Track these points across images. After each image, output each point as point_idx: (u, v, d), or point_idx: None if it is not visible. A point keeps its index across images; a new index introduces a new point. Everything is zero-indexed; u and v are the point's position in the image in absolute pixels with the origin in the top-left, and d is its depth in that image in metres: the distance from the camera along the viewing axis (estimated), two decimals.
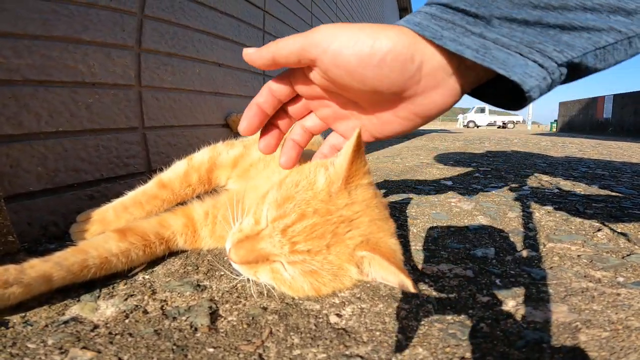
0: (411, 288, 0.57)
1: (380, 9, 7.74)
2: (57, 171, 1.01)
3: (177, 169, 0.99)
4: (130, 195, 0.96)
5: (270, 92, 0.63)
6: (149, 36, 1.30)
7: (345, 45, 0.51)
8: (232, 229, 0.73)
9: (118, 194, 1.10)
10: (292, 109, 0.67)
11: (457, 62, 0.51)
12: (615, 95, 12.13)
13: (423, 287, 0.77)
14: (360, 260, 0.66)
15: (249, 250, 0.65)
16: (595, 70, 0.49)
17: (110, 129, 1.17)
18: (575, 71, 0.49)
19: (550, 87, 0.48)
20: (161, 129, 1.37)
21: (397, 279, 0.60)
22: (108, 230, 0.84)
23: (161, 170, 1.01)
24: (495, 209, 1.42)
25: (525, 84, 0.46)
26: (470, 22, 0.49)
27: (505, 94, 0.56)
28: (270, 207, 0.67)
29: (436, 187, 1.87)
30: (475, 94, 0.59)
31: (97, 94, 1.11)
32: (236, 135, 1.46)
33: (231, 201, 0.79)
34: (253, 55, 0.58)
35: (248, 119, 0.64)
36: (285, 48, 0.55)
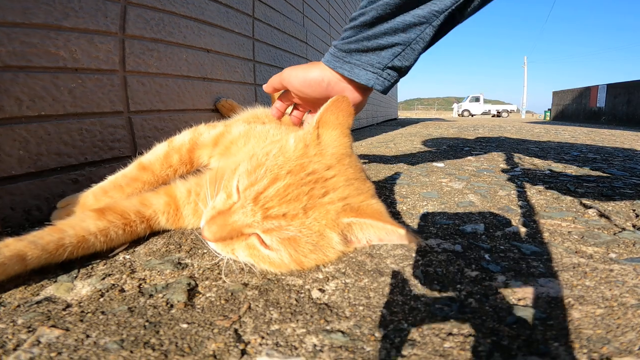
0: (406, 240, 0.61)
1: None
2: (40, 155, 1.00)
3: (158, 151, 0.97)
4: (110, 179, 0.94)
5: (277, 108, 1.15)
6: (133, 22, 1.29)
7: (295, 77, 1.00)
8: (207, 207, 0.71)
9: (103, 178, 1.08)
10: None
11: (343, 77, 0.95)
12: (608, 85, 12.18)
13: (410, 262, 0.75)
14: (347, 227, 0.66)
15: (221, 226, 0.63)
16: (407, 67, 0.92)
17: (94, 113, 1.15)
18: (396, 70, 0.92)
19: (385, 82, 0.93)
20: (147, 113, 1.36)
21: (394, 235, 0.62)
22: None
23: (142, 154, 1.00)
24: (486, 188, 1.41)
25: (369, 83, 0.92)
26: (344, 56, 0.93)
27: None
28: (241, 178, 0.66)
29: (428, 169, 1.86)
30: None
31: (80, 79, 1.10)
32: (226, 120, 1.45)
33: (211, 179, 0.77)
34: (266, 88, 1.10)
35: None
36: (274, 81, 1.07)
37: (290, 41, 2.71)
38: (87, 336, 0.51)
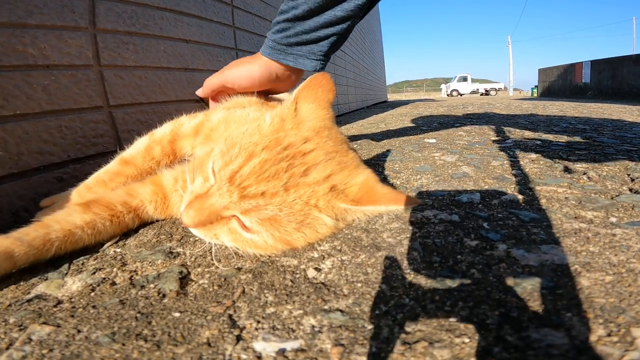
0: (407, 203, 0.58)
1: None
2: (21, 154, 0.97)
3: (139, 144, 0.97)
4: (93, 176, 0.93)
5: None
6: (103, 16, 1.26)
7: (240, 77, 1.10)
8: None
9: (88, 174, 1.07)
10: None
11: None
12: (592, 61, 12.29)
13: (407, 234, 0.73)
14: (342, 212, 0.63)
15: (199, 210, 0.61)
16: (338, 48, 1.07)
17: (72, 109, 1.13)
18: (332, 51, 1.06)
19: (324, 65, 1.05)
20: (129, 106, 1.33)
21: (393, 209, 0.59)
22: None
23: (123, 149, 1.00)
24: (479, 159, 1.40)
25: (316, 69, 1.03)
26: (285, 49, 1.03)
27: None
28: (215, 159, 0.63)
29: (420, 145, 1.85)
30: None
31: (53, 76, 1.08)
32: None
33: (192, 166, 0.75)
34: (203, 93, 1.22)
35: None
36: (214, 84, 1.16)
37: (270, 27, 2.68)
38: (78, 331, 0.49)
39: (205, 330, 0.48)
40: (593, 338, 0.44)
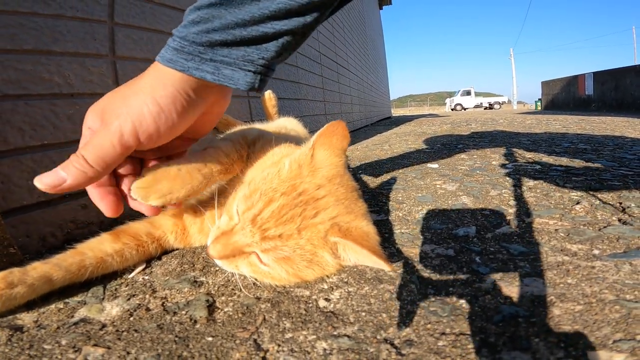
0: (385, 267, 0.64)
1: (360, 3, 7.74)
2: None
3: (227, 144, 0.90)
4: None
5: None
6: (122, 43, 1.29)
7: (147, 119, 0.62)
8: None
9: None
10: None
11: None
12: (595, 73, 12.31)
13: (406, 268, 0.81)
14: (334, 245, 0.71)
15: (224, 245, 0.69)
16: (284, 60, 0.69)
17: None
18: (277, 63, 0.67)
19: (262, 80, 0.66)
20: None
21: (370, 261, 0.67)
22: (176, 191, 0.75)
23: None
24: (479, 189, 1.46)
25: (247, 87, 0.64)
26: (201, 51, 0.62)
27: None
28: (239, 202, 0.72)
29: (422, 170, 1.92)
30: None
31: (77, 105, 1.11)
32: (220, 134, 1.47)
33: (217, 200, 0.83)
34: (95, 167, 0.62)
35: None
36: (106, 150, 0.61)
37: None
38: (128, 353, 0.56)
39: (235, 353, 0.56)
40: None
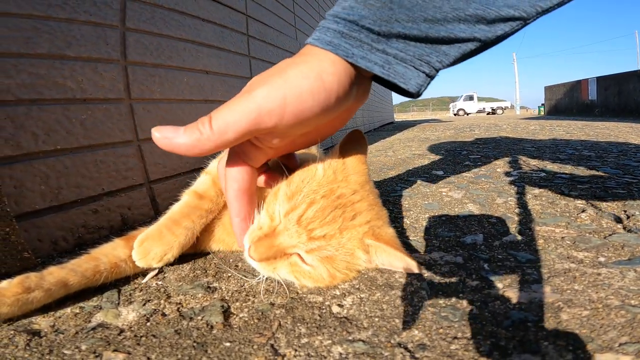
0: (416, 269, 0.70)
1: None
2: (60, 188, 1.03)
3: (204, 180, 0.95)
4: (176, 210, 0.90)
5: (244, 193, 0.68)
6: (133, 48, 1.31)
7: (294, 97, 0.55)
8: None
9: (120, 207, 1.15)
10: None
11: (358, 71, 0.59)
12: (598, 78, 12.30)
13: (416, 275, 0.82)
14: (367, 247, 0.74)
15: (268, 247, 0.70)
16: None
17: (106, 144, 1.18)
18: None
19: (427, 86, 0.60)
20: None
21: (402, 263, 0.71)
22: (169, 251, 0.86)
23: (152, 182, 1.09)
24: (484, 196, 1.47)
25: (415, 89, 0.58)
26: (374, 40, 0.56)
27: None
28: (281, 203, 0.73)
29: (428, 177, 1.93)
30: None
31: (90, 110, 1.13)
32: None
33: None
34: (206, 147, 0.57)
35: (242, 236, 0.73)
36: (231, 123, 0.55)
37: (285, 55, 2.74)
38: (148, 358, 0.57)
39: (254, 358, 0.57)
40: None
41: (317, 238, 0.70)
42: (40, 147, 0.99)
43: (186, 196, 0.93)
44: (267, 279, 0.77)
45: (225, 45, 1.93)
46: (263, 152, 0.65)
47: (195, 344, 0.61)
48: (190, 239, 0.88)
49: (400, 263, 0.72)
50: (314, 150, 0.99)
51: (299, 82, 0.55)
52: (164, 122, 1.42)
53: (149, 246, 0.84)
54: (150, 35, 1.40)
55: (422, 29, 0.54)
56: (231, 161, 0.65)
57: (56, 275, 0.72)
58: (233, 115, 0.55)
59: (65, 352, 0.59)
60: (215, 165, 0.91)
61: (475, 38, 0.56)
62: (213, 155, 1.02)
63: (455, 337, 0.60)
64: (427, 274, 0.83)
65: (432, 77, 0.59)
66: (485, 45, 0.57)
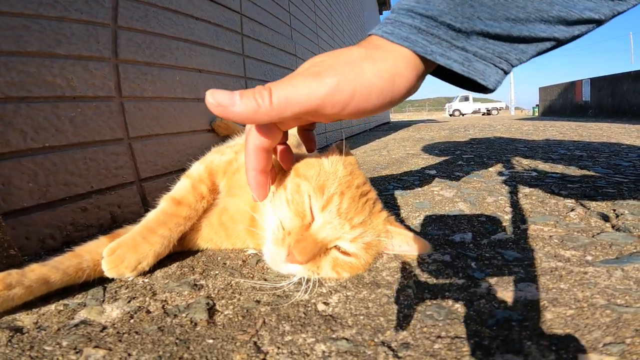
0: (429, 249, 0.84)
1: (359, 4, 7.76)
2: (48, 186, 1.03)
3: (184, 184, 0.94)
4: (151, 218, 0.89)
5: (263, 150, 0.66)
6: (124, 47, 1.30)
7: (363, 88, 0.55)
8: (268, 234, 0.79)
9: (109, 205, 1.14)
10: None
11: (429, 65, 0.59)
12: (592, 79, 12.35)
13: (404, 273, 0.82)
14: (388, 233, 0.80)
15: (312, 245, 0.71)
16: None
17: (96, 142, 1.18)
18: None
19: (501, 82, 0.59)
20: (146, 138, 1.38)
21: (416, 244, 0.80)
22: (143, 259, 0.84)
23: (142, 180, 1.09)
24: (475, 195, 1.48)
25: (494, 86, 0.58)
26: (453, 37, 0.55)
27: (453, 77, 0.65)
28: (313, 199, 0.74)
29: (420, 176, 1.93)
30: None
31: (79, 107, 1.13)
32: (223, 139, 1.48)
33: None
34: (258, 114, 0.55)
35: (257, 189, 0.70)
36: (294, 102, 0.55)
37: (280, 55, 2.77)
38: (129, 355, 0.57)
39: (236, 355, 0.57)
40: None
41: (357, 225, 0.73)
42: (28, 145, 0.99)
43: (163, 202, 0.91)
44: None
45: (219, 44, 1.94)
46: (294, 122, 0.67)
47: (177, 341, 0.60)
48: (167, 247, 0.87)
49: (415, 244, 0.82)
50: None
51: (372, 80, 0.55)
52: (155, 120, 1.43)
53: (122, 254, 0.81)
54: (143, 34, 1.40)
55: (504, 28, 0.55)
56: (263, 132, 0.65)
57: (37, 272, 0.72)
58: (296, 95, 0.54)
59: (46, 348, 0.59)
60: (197, 169, 0.95)
61: (554, 38, 0.57)
62: (196, 157, 1.03)
63: (439, 336, 0.60)
64: (414, 272, 0.83)
65: (507, 73, 0.59)
66: (559, 43, 0.58)
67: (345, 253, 0.74)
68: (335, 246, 0.75)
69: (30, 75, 1.00)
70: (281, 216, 0.75)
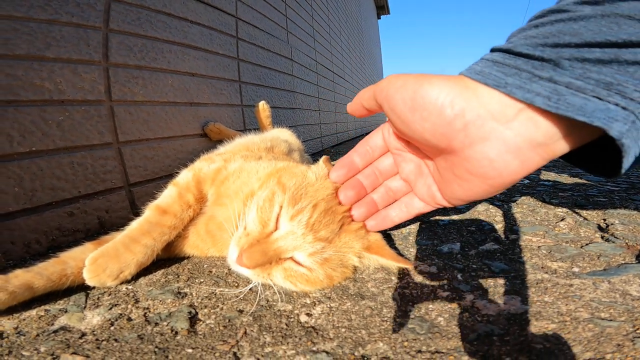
0: (409, 266, 0.82)
1: (357, 9, 7.77)
2: (35, 191, 1.02)
3: (170, 193, 0.94)
4: (134, 227, 0.87)
5: (368, 146, 0.79)
6: (115, 50, 1.29)
7: (397, 93, 0.58)
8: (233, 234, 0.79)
9: (97, 210, 1.13)
10: (381, 167, 0.81)
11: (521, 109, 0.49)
12: None
13: (389, 285, 0.82)
14: (360, 253, 0.79)
15: (263, 252, 0.71)
16: None
17: (84, 146, 1.17)
18: None
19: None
20: (136, 142, 1.37)
21: (396, 262, 0.78)
22: (126, 268, 0.82)
23: (131, 185, 1.06)
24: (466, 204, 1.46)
25: (613, 129, 0.42)
26: (536, 66, 0.46)
27: (596, 155, 0.54)
28: (285, 209, 0.74)
29: None
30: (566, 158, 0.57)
31: (67, 111, 1.11)
32: (215, 144, 1.47)
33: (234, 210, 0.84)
34: (352, 109, 0.75)
35: (342, 172, 0.80)
36: (365, 96, 0.69)
37: (275, 59, 2.76)
38: None
39: None
40: None
41: (321, 239, 0.72)
42: (15, 149, 0.98)
43: (148, 211, 0.90)
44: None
45: (214, 47, 1.92)
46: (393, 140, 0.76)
47: (156, 349, 0.60)
48: (150, 257, 0.86)
49: (394, 263, 0.78)
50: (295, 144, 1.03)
51: (410, 89, 0.56)
52: (145, 124, 1.42)
53: (104, 263, 0.80)
54: (135, 37, 1.39)
55: (604, 54, 0.43)
56: (378, 130, 0.78)
57: (21, 278, 0.72)
58: (365, 93, 0.70)
59: (24, 353, 0.59)
60: (185, 177, 0.95)
61: None
62: (187, 162, 1.02)
63: (420, 351, 0.59)
64: (399, 283, 0.82)
65: (638, 115, 0.42)
66: None
67: (298, 264, 0.74)
68: (292, 257, 0.74)
69: (18, 79, 0.99)
70: (248, 219, 0.77)
